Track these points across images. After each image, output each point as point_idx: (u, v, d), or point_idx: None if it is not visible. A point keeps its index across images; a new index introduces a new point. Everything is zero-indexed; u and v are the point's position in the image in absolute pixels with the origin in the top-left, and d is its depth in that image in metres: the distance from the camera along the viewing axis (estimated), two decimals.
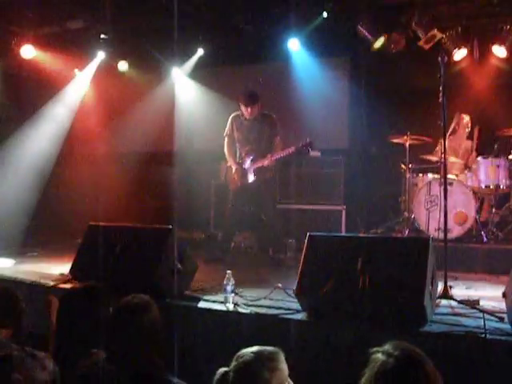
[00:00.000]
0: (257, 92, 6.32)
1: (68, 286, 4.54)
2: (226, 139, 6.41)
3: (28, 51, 7.92)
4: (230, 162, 6.38)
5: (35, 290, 4.66)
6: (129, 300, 2.38)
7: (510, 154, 6.41)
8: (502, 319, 3.46)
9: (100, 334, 2.38)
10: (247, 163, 6.27)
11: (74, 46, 8.29)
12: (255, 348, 2.09)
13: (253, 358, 2.01)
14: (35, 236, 7.33)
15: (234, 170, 6.31)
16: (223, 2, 7.34)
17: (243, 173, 6.26)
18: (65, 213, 8.18)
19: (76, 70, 8.63)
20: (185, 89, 8.73)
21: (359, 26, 7.33)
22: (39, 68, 8.16)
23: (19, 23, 7.75)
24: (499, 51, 7.03)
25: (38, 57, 8.08)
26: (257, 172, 6.21)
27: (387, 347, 1.80)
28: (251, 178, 6.23)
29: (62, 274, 5.01)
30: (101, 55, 8.25)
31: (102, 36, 7.93)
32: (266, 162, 6.15)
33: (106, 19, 7.61)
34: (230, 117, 6.42)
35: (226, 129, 6.41)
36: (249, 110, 6.15)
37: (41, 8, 7.32)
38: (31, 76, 8.41)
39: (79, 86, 8.62)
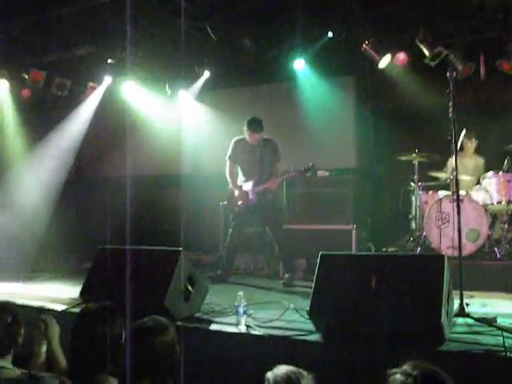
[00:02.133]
0: (261, 119, 6.38)
1: (78, 310, 4.49)
2: (228, 162, 6.53)
3: (36, 77, 7.99)
4: (232, 186, 6.48)
5: (45, 314, 4.61)
6: (145, 322, 2.35)
7: None
8: None
9: (114, 354, 2.35)
10: (250, 186, 6.32)
11: (82, 72, 8.37)
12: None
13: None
14: (44, 260, 7.32)
15: (236, 193, 6.38)
16: (229, 24, 7.39)
17: (245, 195, 6.34)
18: (74, 236, 8.16)
19: (84, 95, 8.68)
20: (192, 111, 8.76)
21: (364, 45, 7.35)
22: (47, 93, 8.23)
23: (28, 50, 7.85)
24: (506, 66, 7.02)
25: (46, 82, 8.14)
26: (259, 195, 6.30)
27: (405, 367, 1.77)
28: (253, 200, 6.31)
29: (72, 298, 4.97)
30: (108, 80, 8.32)
31: (109, 61, 8.01)
32: (269, 185, 6.28)
33: (113, 45, 7.70)
34: (233, 140, 6.52)
35: (229, 152, 6.52)
36: (255, 136, 6.29)
37: (47, 35, 7.42)
38: (40, 101, 8.48)
39: (87, 111, 8.67)
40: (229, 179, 6.52)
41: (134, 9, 6.86)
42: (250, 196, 6.31)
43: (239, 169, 6.52)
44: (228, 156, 6.52)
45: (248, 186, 6.35)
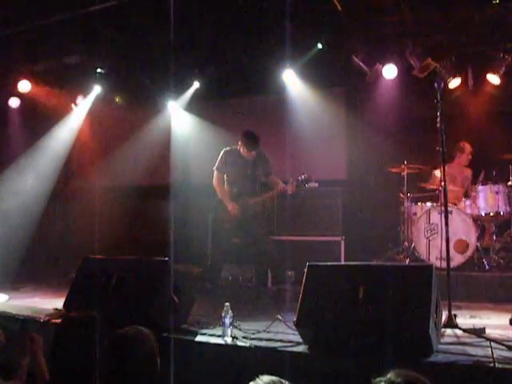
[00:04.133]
0: (258, 135, 6.29)
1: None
2: (216, 173, 6.36)
3: (25, 86, 7.96)
4: (222, 197, 6.32)
5: (28, 325, 4.53)
6: (125, 331, 2.30)
7: (508, 180, 6.37)
8: (510, 347, 3.36)
9: (95, 366, 2.29)
10: (244, 200, 6.25)
11: (71, 81, 8.33)
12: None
13: None
14: (29, 271, 7.21)
15: (228, 205, 6.24)
16: (218, 35, 7.39)
17: (237, 208, 6.22)
18: (60, 247, 8.09)
19: (72, 105, 8.65)
20: (181, 122, 8.74)
21: (354, 57, 7.38)
22: (36, 102, 8.18)
23: (17, 59, 7.81)
24: (493, 79, 7.08)
25: (35, 91, 8.11)
26: (249, 207, 6.23)
27: (389, 375, 1.76)
28: (246, 212, 6.23)
29: (56, 309, 4.89)
30: (97, 89, 8.28)
31: (99, 70, 7.98)
32: (289, 190, 6.16)
33: (102, 54, 7.68)
34: (223, 151, 6.36)
35: (218, 163, 6.35)
36: (252, 153, 6.18)
37: (37, 44, 7.38)
38: (28, 110, 8.43)
39: (75, 120, 8.63)
40: (219, 192, 6.35)
41: (123, 18, 6.88)
42: (244, 209, 6.20)
43: (227, 180, 6.37)
44: (216, 167, 6.34)
45: (242, 199, 6.22)
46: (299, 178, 6.13)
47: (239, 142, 6.25)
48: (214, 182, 6.38)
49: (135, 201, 8.74)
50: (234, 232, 6.38)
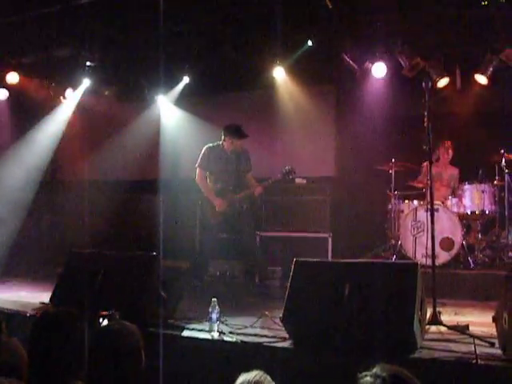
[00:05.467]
0: (240, 126, 6.37)
1: None
2: (199, 170, 6.38)
3: (13, 78, 7.90)
4: (207, 194, 6.35)
5: (14, 319, 4.52)
6: (109, 326, 2.30)
7: (494, 179, 6.45)
8: (492, 344, 3.41)
9: (77, 362, 2.30)
10: (229, 195, 6.28)
11: (60, 74, 8.28)
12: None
13: None
14: (16, 264, 7.17)
15: (216, 203, 6.27)
16: (209, 31, 7.39)
17: (223, 204, 6.26)
18: (47, 240, 8.05)
19: (61, 98, 8.60)
20: (170, 116, 8.72)
21: (344, 55, 7.41)
22: (24, 95, 8.13)
23: (5, 50, 7.74)
24: (481, 79, 7.14)
25: (23, 84, 8.05)
26: (235, 203, 6.28)
27: (375, 370, 1.81)
28: (231, 208, 6.28)
29: (42, 303, 4.88)
30: (86, 82, 8.24)
31: (88, 63, 7.93)
32: (254, 192, 6.29)
33: (92, 47, 7.63)
34: (205, 148, 6.39)
35: (200, 159, 6.37)
36: (235, 144, 6.24)
37: (26, 35, 7.32)
38: (16, 103, 8.37)
39: (64, 113, 8.58)
40: (203, 188, 6.38)
41: (113, 11, 6.85)
42: (229, 205, 6.26)
43: (211, 177, 6.40)
44: (198, 164, 6.36)
45: (227, 196, 6.29)
46: (283, 169, 6.26)
47: (222, 137, 6.31)
48: (197, 179, 6.40)
49: (124, 195, 8.71)
50: (220, 227, 6.41)
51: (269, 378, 2.11)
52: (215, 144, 6.38)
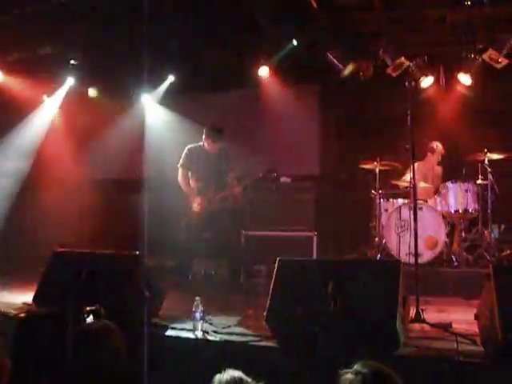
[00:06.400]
0: (221, 128, 6.44)
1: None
2: (181, 170, 6.53)
3: None
4: (188, 193, 6.49)
5: None
6: (90, 325, 2.29)
7: (477, 178, 6.50)
8: (474, 342, 3.44)
9: (57, 362, 2.28)
10: (210, 194, 6.34)
11: (44, 72, 8.19)
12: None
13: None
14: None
15: (196, 201, 6.38)
16: (194, 29, 7.36)
17: (205, 203, 6.34)
18: (31, 240, 7.97)
19: (45, 96, 8.53)
20: (155, 115, 8.68)
21: (328, 54, 7.42)
22: (7, 92, 8.04)
23: None
24: (464, 79, 7.19)
25: (6, 82, 7.97)
26: (218, 202, 6.35)
27: (355, 366, 1.84)
28: (213, 207, 6.35)
29: (25, 303, 4.82)
30: (70, 81, 8.17)
31: (72, 62, 7.87)
32: (233, 191, 6.37)
33: (76, 45, 7.57)
34: (187, 148, 6.53)
35: (182, 160, 6.52)
36: (215, 145, 6.34)
37: (10, 33, 7.24)
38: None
39: (48, 112, 8.51)
40: (184, 188, 6.53)
41: (97, 9, 6.79)
42: (211, 204, 6.34)
43: (193, 177, 6.51)
44: (180, 164, 6.51)
45: (209, 194, 6.35)
46: (265, 169, 6.34)
47: (203, 137, 6.39)
48: (179, 178, 6.55)
49: (108, 194, 8.67)
50: (203, 226, 6.45)
51: (244, 377, 2.11)
52: (196, 145, 6.50)
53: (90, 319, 3.03)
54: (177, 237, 7.92)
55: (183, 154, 6.51)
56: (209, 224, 6.44)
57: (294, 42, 7.28)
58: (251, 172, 6.75)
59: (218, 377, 2.10)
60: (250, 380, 2.11)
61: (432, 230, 6.23)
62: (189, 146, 6.52)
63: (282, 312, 3.62)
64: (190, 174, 6.51)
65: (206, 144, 6.40)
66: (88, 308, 3.24)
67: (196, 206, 6.38)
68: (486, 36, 6.95)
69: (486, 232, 6.57)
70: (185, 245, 6.53)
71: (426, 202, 6.60)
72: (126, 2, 6.70)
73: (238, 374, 2.09)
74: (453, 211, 6.50)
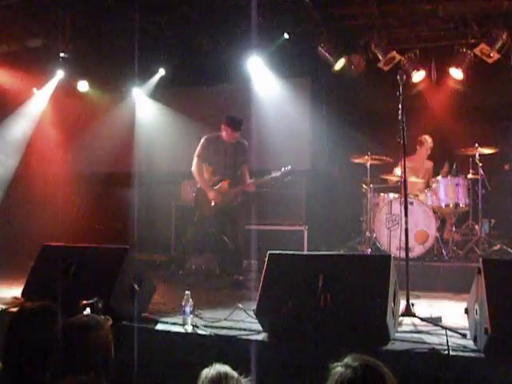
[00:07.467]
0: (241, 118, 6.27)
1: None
2: (196, 160, 6.23)
3: None
4: (203, 185, 6.22)
5: None
6: (78, 318, 2.27)
7: (468, 173, 6.51)
8: (464, 335, 3.45)
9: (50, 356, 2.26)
10: (225, 187, 6.17)
11: (33, 65, 8.11)
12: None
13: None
14: None
15: (211, 195, 6.16)
16: (185, 23, 7.31)
17: (219, 196, 6.15)
18: (20, 234, 7.91)
19: (34, 89, 8.45)
20: (145, 109, 8.64)
21: (320, 48, 7.41)
22: None
23: None
24: (456, 73, 7.20)
25: None
26: (232, 196, 6.17)
27: (346, 360, 1.86)
28: (227, 201, 6.16)
29: (14, 297, 4.78)
30: (60, 74, 8.09)
31: (62, 55, 7.78)
32: (247, 188, 6.22)
33: (65, 38, 7.50)
34: (204, 138, 6.26)
35: (198, 150, 6.23)
36: (235, 135, 6.11)
37: None
38: None
39: (37, 105, 8.42)
40: (198, 178, 6.23)
41: (87, 2, 6.74)
42: (225, 197, 6.14)
43: (207, 168, 6.26)
44: (197, 154, 6.21)
45: (224, 188, 6.15)
46: (284, 169, 6.17)
47: (222, 127, 6.16)
48: (194, 169, 6.24)
49: (98, 188, 8.62)
50: (211, 222, 6.27)
51: (231, 372, 2.10)
52: (214, 135, 6.24)
53: (86, 312, 3.01)
54: (167, 230, 7.91)
55: (200, 144, 6.22)
56: (217, 219, 6.25)
57: (286, 36, 7.26)
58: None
59: (204, 371, 2.09)
60: (236, 375, 2.10)
61: (423, 224, 6.24)
62: (206, 137, 6.25)
63: (271, 306, 3.60)
64: (206, 165, 6.24)
65: (224, 133, 6.14)
66: (85, 302, 3.22)
67: (210, 200, 6.14)
68: (478, 30, 6.96)
69: (476, 226, 6.59)
70: (190, 239, 6.38)
71: (417, 196, 6.61)
72: None
73: (224, 368, 2.08)
74: (443, 206, 6.51)
